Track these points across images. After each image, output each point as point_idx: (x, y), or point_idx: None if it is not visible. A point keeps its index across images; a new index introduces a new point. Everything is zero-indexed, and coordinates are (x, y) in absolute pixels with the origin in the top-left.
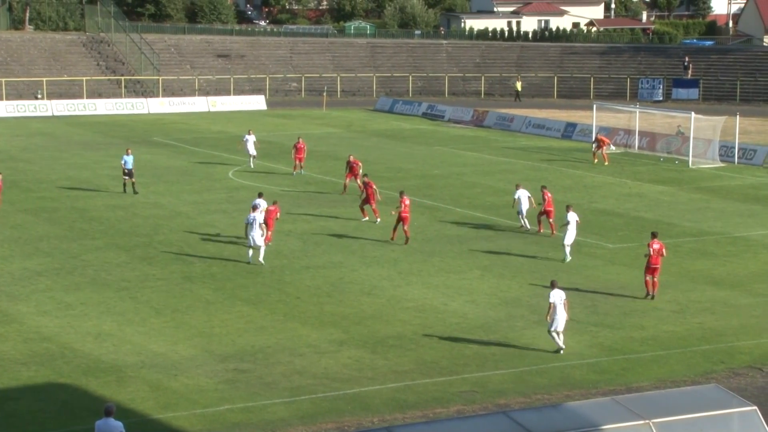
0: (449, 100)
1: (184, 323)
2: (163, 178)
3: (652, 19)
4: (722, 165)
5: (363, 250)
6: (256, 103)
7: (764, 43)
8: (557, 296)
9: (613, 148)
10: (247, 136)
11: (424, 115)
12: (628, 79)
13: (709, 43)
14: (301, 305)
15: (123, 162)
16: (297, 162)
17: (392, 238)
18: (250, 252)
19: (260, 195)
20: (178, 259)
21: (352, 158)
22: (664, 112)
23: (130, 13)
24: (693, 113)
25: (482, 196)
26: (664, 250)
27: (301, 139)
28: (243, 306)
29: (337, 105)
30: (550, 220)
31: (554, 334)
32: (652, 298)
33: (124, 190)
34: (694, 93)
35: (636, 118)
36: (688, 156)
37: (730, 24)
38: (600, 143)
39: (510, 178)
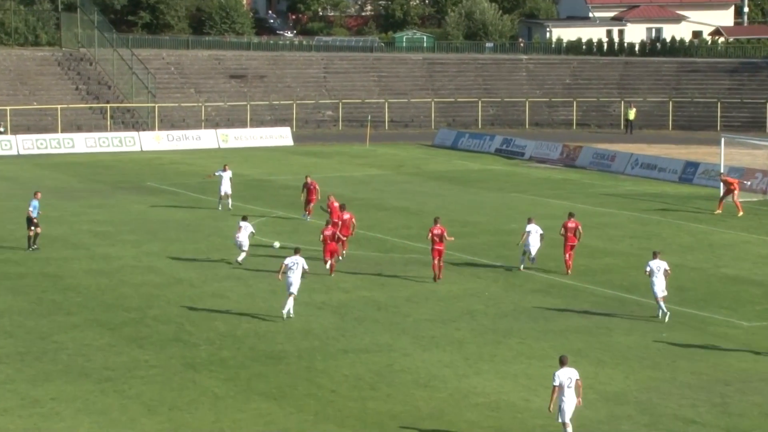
0: (531, 133)
1: (185, 424)
2: (159, 235)
3: None
4: None
5: (417, 329)
6: (280, 137)
7: None
8: (566, 375)
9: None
10: (221, 172)
11: (498, 152)
12: (767, 105)
13: None
14: (338, 401)
15: (30, 208)
16: (309, 205)
17: (436, 278)
18: (288, 305)
19: (244, 218)
20: (178, 341)
21: (309, 180)
22: None
23: (119, 22)
24: None
25: (576, 258)
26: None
27: (309, 178)
28: (261, 402)
29: (384, 139)
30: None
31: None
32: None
33: (29, 246)
34: None
35: None
36: None
37: None
38: (729, 187)
39: (611, 234)
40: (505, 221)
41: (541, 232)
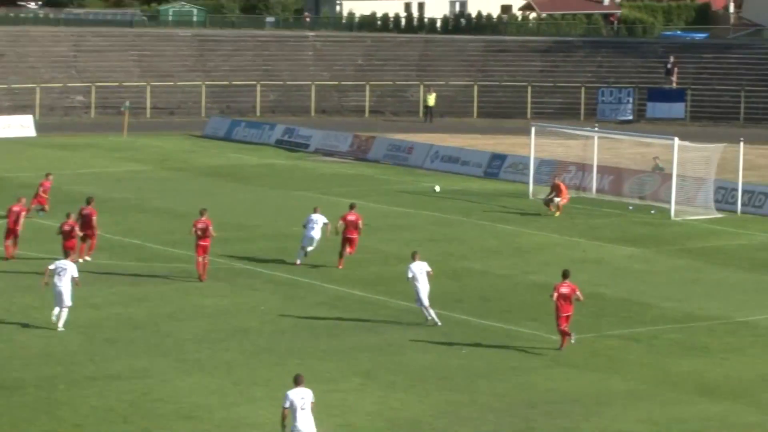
0: (317, 121)
1: None
2: None
3: (618, 1)
4: (719, 216)
5: (180, 350)
6: (20, 126)
7: None
8: (299, 396)
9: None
10: None
11: (279, 144)
12: (583, 89)
13: (700, 36)
14: None
15: None
16: (39, 204)
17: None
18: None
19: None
20: None
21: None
22: (635, 138)
23: None
24: (677, 139)
25: (366, 265)
26: (579, 293)
27: (51, 176)
28: None
29: (145, 129)
30: (349, 251)
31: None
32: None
33: None
34: (678, 109)
35: (594, 146)
36: (669, 203)
37: (731, 9)
38: (558, 191)
39: (407, 238)
40: (286, 224)
41: (326, 221)
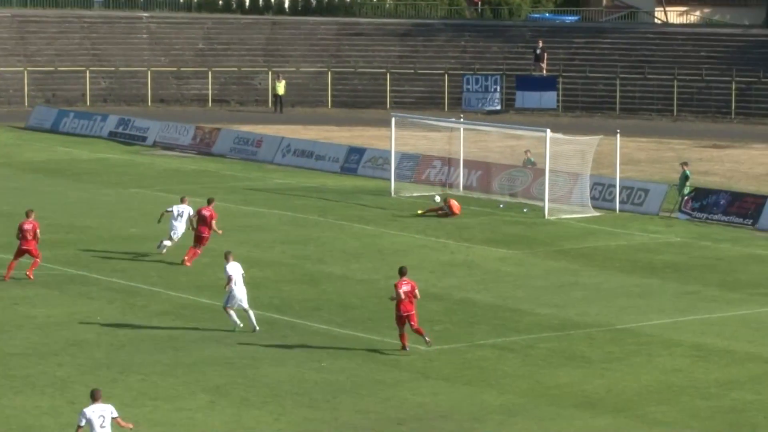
0: (154, 112)
1: None
2: None
3: None
4: (596, 214)
5: (7, 366)
6: None
7: (657, 20)
8: (97, 414)
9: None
10: None
11: (113, 136)
12: (446, 77)
13: (571, 18)
14: None
15: None
16: None
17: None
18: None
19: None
20: None
21: None
22: (503, 130)
23: None
24: (549, 131)
25: (214, 270)
26: (417, 292)
27: None
28: None
29: None
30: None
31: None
32: (407, 349)
33: None
34: (550, 99)
35: (460, 139)
36: (542, 200)
37: None
38: (448, 210)
39: (258, 240)
40: (123, 225)
41: (191, 212)
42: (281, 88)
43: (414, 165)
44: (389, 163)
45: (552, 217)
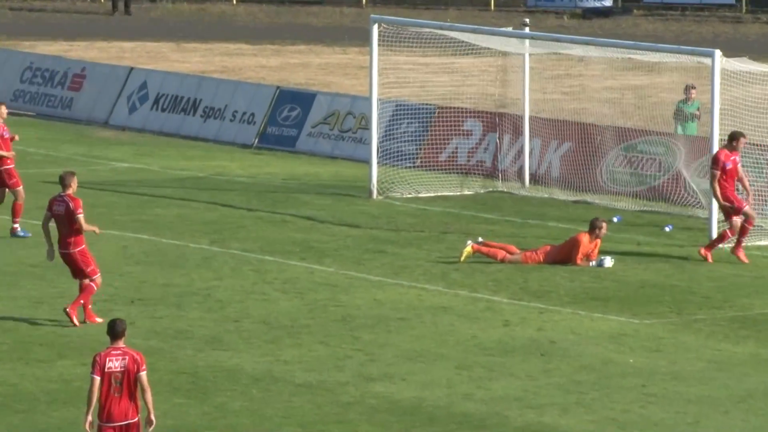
0: None
1: None
2: None
3: None
4: None
5: None
6: None
7: None
8: None
9: None
10: None
11: None
12: None
13: None
14: None
15: None
16: None
17: None
18: None
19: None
20: None
21: None
22: (619, 53)
23: None
24: (718, 53)
25: None
26: None
27: None
28: None
29: None
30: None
31: None
32: None
33: None
34: None
35: (525, 68)
36: (704, 207)
37: None
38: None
39: None
40: None
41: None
42: None
43: (422, 130)
44: (367, 128)
45: (728, 245)
